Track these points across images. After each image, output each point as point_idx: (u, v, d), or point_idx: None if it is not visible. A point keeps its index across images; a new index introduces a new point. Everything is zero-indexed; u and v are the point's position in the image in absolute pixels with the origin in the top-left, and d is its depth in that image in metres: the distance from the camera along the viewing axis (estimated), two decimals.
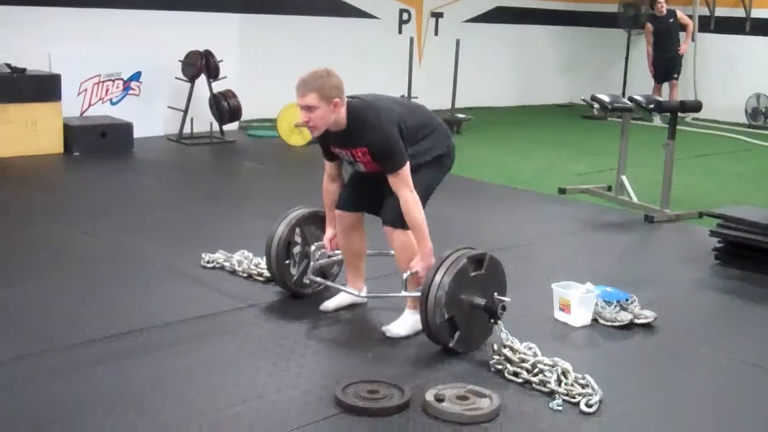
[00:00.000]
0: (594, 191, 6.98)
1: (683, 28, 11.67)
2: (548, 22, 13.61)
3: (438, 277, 3.56)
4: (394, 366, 3.59)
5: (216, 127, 9.01)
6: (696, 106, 7.15)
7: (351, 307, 4.21)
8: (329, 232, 4.15)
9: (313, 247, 4.19)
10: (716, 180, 8.12)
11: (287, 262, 4.25)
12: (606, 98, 6.92)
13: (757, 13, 11.58)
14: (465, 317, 3.64)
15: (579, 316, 4.11)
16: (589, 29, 13.82)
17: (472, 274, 3.64)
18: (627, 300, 4.22)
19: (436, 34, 12.17)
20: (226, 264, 4.73)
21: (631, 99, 6.91)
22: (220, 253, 4.84)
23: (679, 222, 6.31)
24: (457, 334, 3.63)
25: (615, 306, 4.17)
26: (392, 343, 3.82)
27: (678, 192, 6.67)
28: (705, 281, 5.08)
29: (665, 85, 11.85)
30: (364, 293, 4.20)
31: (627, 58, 12.91)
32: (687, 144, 9.36)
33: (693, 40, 11.84)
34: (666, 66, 11.71)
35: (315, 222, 4.29)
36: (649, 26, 11.74)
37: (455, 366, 3.59)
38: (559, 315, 4.17)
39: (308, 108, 3.68)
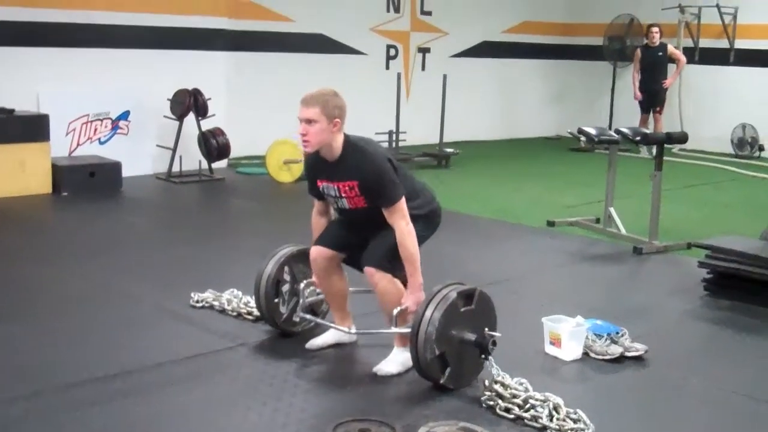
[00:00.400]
0: (582, 224, 7.00)
1: (672, 61, 11.67)
2: (534, 56, 13.75)
3: (428, 313, 3.55)
4: (385, 404, 3.58)
5: (205, 164, 9.02)
6: (682, 138, 7.20)
7: (339, 345, 4.19)
8: None
9: (302, 284, 4.18)
10: (704, 210, 8.16)
11: (276, 300, 4.23)
12: (592, 131, 6.97)
13: (740, 44, 11.71)
14: (455, 353, 3.63)
15: (570, 350, 4.10)
16: (575, 62, 13.95)
17: (462, 309, 3.64)
18: (617, 333, 4.22)
19: (423, 69, 12.26)
20: (216, 303, 4.72)
21: (617, 131, 6.96)
22: (209, 292, 4.82)
23: (667, 253, 6.33)
24: (448, 370, 3.62)
25: (605, 339, 4.17)
26: (382, 381, 3.80)
27: (666, 223, 6.70)
28: (695, 312, 5.09)
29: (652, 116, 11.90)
30: (353, 331, 4.20)
31: (613, 90, 13.01)
32: (674, 175, 9.41)
33: (665, 78, 11.71)
34: (650, 97, 11.74)
35: (303, 260, 4.26)
36: (638, 53, 11.72)
37: (446, 403, 3.58)
38: (549, 349, 4.16)
39: (308, 121, 3.71)
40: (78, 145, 8.63)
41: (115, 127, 8.88)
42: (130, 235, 6.70)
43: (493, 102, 13.27)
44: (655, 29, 11.52)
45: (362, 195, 3.79)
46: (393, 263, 3.80)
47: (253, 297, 4.35)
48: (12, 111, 7.82)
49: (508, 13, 13.28)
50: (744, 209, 8.20)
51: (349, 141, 3.81)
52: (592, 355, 4.13)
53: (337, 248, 4.00)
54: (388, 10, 11.79)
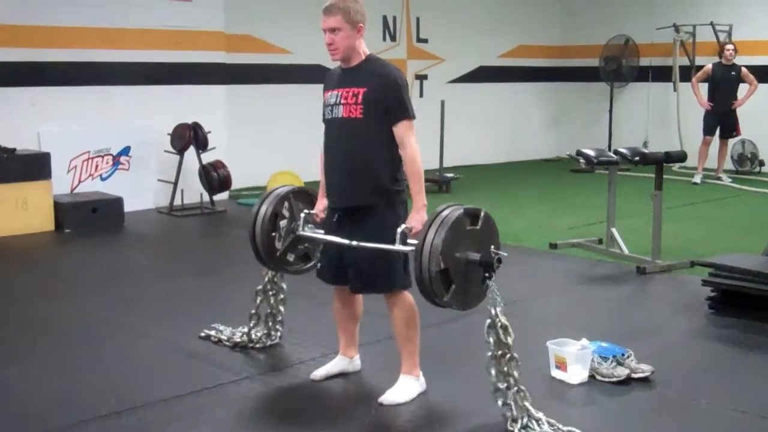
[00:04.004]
0: (585, 245, 7.00)
1: (743, 80, 10.96)
2: (531, 79, 13.82)
3: (434, 227, 3.46)
4: None
5: (206, 197, 9.04)
6: (681, 157, 7.21)
7: (343, 374, 4.17)
8: (321, 202, 4.07)
9: (302, 214, 4.11)
10: (706, 228, 8.15)
11: (273, 234, 4.14)
12: (591, 152, 6.98)
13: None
14: (460, 272, 3.52)
15: (576, 374, 4.09)
16: (572, 84, 14.01)
17: (468, 228, 3.55)
18: (623, 355, 4.21)
19: (421, 95, 12.30)
20: (220, 336, 4.71)
21: (616, 152, 6.97)
22: (213, 325, 4.82)
23: (671, 272, 6.32)
24: (452, 288, 3.50)
25: (611, 361, 4.16)
26: (389, 411, 3.78)
27: (669, 241, 6.69)
28: (700, 331, 5.07)
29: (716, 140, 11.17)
30: (357, 361, 4.19)
31: (611, 111, 13.05)
32: (675, 193, 9.43)
33: (735, 99, 10.98)
34: (718, 118, 10.98)
35: (304, 198, 4.20)
36: (709, 68, 10.95)
37: (453, 430, 3.56)
38: (555, 373, 4.15)
39: (332, 30, 3.74)
40: (80, 181, 8.66)
41: (116, 163, 8.92)
42: (134, 269, 6.70)
43: (492, 126, 13.31)
44: (730, 47, 10.93)
45: (362, 104, 3.73)
46: (392, 275, 3.79)
47: (248, 232, 4.20)
48: (14, 150, 7.86)
49: (504, 37, 13.35)
50: (746, 226, 8.19)
51: (372, 54, 3.86)
52: (599, 377, 4.12)
53: (328, 280, 4.00)
54: (384, 39, 11.86)
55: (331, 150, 3.89)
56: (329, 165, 3.91)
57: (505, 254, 3.61)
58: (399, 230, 3.67)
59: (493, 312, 3.52)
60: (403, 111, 3.73)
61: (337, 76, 3.89)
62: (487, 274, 3.55)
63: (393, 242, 3.68)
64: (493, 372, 3.53)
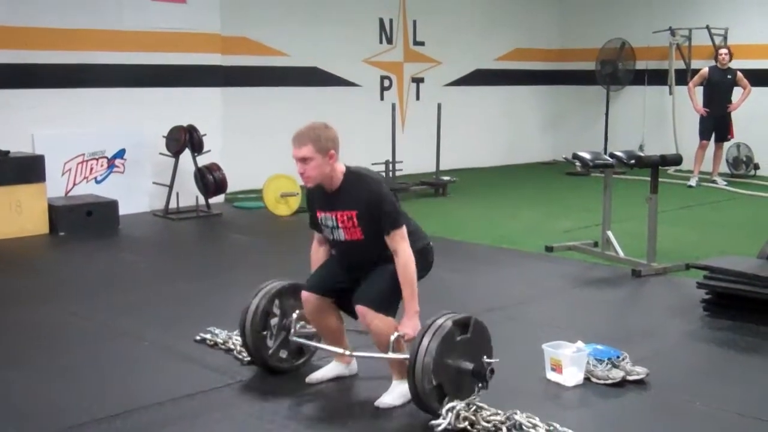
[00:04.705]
0: (581, 248, 7.00)
1: (738, 84, 10.97)
2: (528, 82, 13.82)
3: (425, 343, 3.53)
4: None
5: (202, 200, 9.03)
6: (676, 160, 7.22)
7: (339, 379, 4.17)
8: None
9: (294, 315, 4.11)
10: (701, 231, 8.16)
11: (264, 333, 4.15)
12: (587, 156, 6.98)
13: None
14: (453, 383, 3.59)
15: (571, 376, 4.08)
16: (568, 87, 14.03)
17: (459, 338, 3.61)
18: (618, 357, 4.21)
19: (417, 98, 12.32)
20: (216, 340, 4.70)
21: (612, 155, 6.97)
22: (208, 329, 4.81)
23: (666, 275, 6.32)
24: (446, 400, 3.58)
25: (606, 364, 4.16)
26: (384, 414, 3.78)
27: (664, 244, 6.70)
28: (695, 333, 5.07)
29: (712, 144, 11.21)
30: (353, 366, 4.19)
31: (607, 114, 13.06)
32: (670, 196, 9.44)
33: (730, 102, 11.04)
34: (715, 124, 11.02)
35: (294, 294, 4.19)
36: (705, 72, 11.01)
37: None
38: (551, 375, 4.14)
39: (303, 160, 3.73)
40: (74, 184, 8.64)
41: (110, 165, 8.90)
42: (129, 273, 6.68)
43: (489, 129, 13.31)
44: (724, 50, 10.99)
45: (360, 226, 3.79)
46: (386, 303, 3.79)
47: (238, 331, 4.24)
48: (7, 153, 7.84)
49: (500, 40, 13.36)
50: (741, 228, 8.20)
51: (349, 170, 3.84)
52: (594, 380, 4.11)
53: (325, 293, 3.98)
54: (381, 42, 11.87)
55: (343, 259, 3.97)
56: (342, 265, 3.98)
57: (497, 360, 3.67)
58: (392, 338, 3.72)
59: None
60: (392, 222, 3.76)
61: (324, 196, 3.88)
62: (480, 384, 3.63)
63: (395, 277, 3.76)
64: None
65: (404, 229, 3.78)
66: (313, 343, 4.19)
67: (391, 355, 3.76)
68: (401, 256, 3.75)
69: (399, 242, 3.76)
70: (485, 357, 3.65)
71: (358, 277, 3.86)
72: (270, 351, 4.18)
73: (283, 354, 4.21)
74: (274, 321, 4.18)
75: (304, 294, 4.00)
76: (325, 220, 3.91)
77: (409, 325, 3.75)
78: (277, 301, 4.19)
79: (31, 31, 8.28)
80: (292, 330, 4.13)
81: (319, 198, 3.92)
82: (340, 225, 3.84)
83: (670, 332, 5.07)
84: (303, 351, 4.29)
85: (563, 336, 4.37)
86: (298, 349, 4.25)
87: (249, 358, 4.30)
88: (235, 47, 10.10)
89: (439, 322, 3.60)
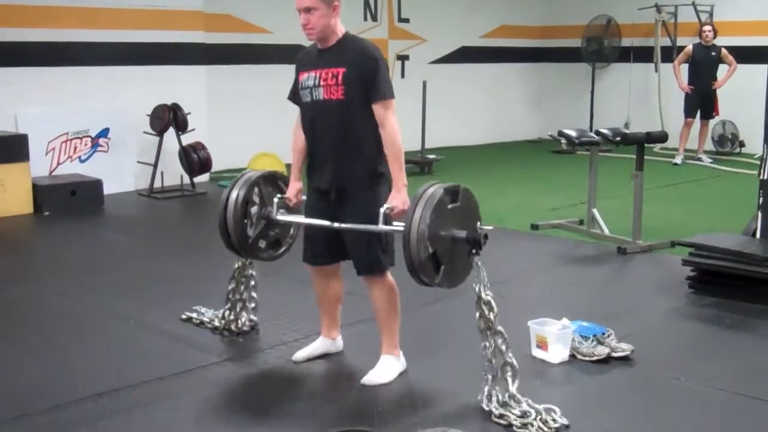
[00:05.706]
0: (566, 226, 7.01)
1: (723, 61, 10.98)
2: (513, 60, 13.79)
3: (419, 212, 3.44)
4: (374, 413, 3.55)
5: (187, 179, 8.99)
6: (662, 137, 7.23)
7: (325, 356, 4.17)
8: (294, 185, 4.04)
9: (276, 199, 4.06)
10: (687, 208, 8.19)
11: (245, 221, 4.06)
12: (572, 133, 6.99)
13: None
14: (447, 251, 3.52)
15: (556, 353, 4.10)
16: (554, 65, 14.01)
17: (450, 206, 3.54)
18: (603, 334, 4.23)
19: (402, 76, 12.26)
20: (202, 318, 4.70)
21: (597, 132, 6.99)
22: (195, 307, 4.80)
23: (651, 252, 6.35)
24: (442, 269, 3.51)
25: (592, 340, 4.18)
26: (371, 391, 3.78)
27: (649, 222, 6.72)
28: (680, 310, 5.10)
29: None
30: (339, 342, 4.19)
31: (593, 92, 13.05)
32: (656, 173, 9.46)
33: (715, 79, 11.00)
34: (700, 98, 11.03)
35: (273, 182, 4.15)
36: (689, 49, 10.99)
37: (435, 410, 3.57)
38: (536, 352, 4.16)
39: (308, 10, 3.67)
40: (58, 164, 8.58)
41: (95, 144, 8.84)
42: (113, 252, 6.66)
43: (474, 107, 13.29)
44: (708, 27, 10.93)
45: (343, 85, 3.70)
46: (382, 254, 3.78)
47: (219, 220, 4.08)
48: None
49: (486, 17, 13.31)
50: (726, 206, 8.23)
51: (348, 33, 3.81)
52: (579, 356, 4.13)
53: (322, 262, 3.98)
54: (365, 19, 11.80)
55: (315, 133, 3.84)
56: (314, 148, 3.86)
57: (491, 228, 3.62)
58: (381, 210, 3.65)
59: (477, 289, 3.52)
60: (382, 90, 3.69)
61: (313, 56, 3.83)
62: (474, 251, 3.55)
63: (376, 222, 3.67)
64: (483, 345, 3.56)
65: (393, 102, 3.71)
66: (299, 220, 4.06)
67: (382, 227, 3.67)
68: (388, 130, 3.68)
69: (386, 112, 3.69)
70: (478, 223, 3.60)
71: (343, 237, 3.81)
72: (250, 240, 4.10)
73: (262, 244, 4.14)
74: (254, 209, 4.08)
75: (306, 266, 4.02)
76: (306, 81, 3.80)
77: (398, 198, 3.68)
78: (257, 189, 4.09)
79: (12, 8, 8.18)
80: (274, 215, 4.06)
81: (308, 58, 3.85)
82: (321, 83, 3.74)
83: (655, 309, 5.09)
84: (280, 242, 4.23)
85: (549, 313, 4.39)
86: (275, 240, 4.20)
87: (231, 316, 4.40)
88: (219, 25, 10.02)
89: (430, 191, 3.51)
